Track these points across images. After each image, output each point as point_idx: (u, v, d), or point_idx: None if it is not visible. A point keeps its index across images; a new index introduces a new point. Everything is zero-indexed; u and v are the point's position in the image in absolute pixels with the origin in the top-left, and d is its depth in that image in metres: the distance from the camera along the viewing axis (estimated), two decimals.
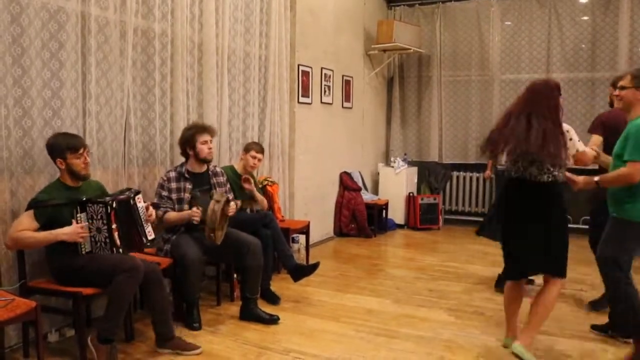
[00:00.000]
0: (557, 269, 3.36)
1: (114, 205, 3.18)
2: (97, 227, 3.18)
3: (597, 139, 4.14)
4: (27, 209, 3.13)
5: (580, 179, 3.36)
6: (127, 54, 4.03)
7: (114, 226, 3.17)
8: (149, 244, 3.40)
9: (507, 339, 3.56)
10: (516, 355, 3.35)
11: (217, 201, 3.78)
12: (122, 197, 3.27)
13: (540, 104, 3.27)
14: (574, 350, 3.53)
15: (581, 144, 3.37)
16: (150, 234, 3.37)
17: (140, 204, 3.35)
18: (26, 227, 3.06)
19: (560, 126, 3.26)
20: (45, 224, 3.10)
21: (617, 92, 3.39)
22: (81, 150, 3.23)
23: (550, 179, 3.27)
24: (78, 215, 3.16)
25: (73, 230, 3.10)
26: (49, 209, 3.11)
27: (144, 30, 4.22)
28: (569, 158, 3.32)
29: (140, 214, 3.33)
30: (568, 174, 3.38)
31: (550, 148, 3.16)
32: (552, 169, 3.26)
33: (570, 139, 3.30)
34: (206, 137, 4.05)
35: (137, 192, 3.37)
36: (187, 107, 4.62)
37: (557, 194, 3.33)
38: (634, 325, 3.24)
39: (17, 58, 3.32)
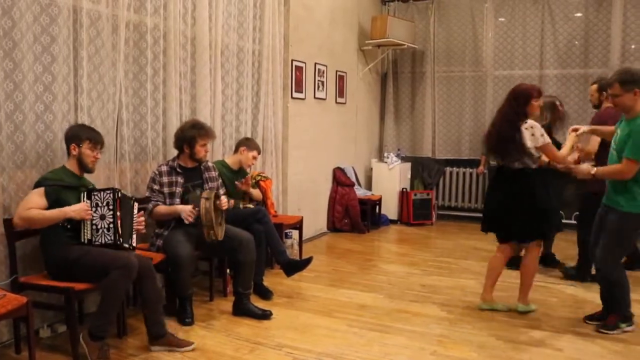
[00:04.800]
0: (525, 236, 4.03)
1: (120, 194, 3.30)
2: (101, 214, 3.26)
3: (595, 139, 4.36)
4: (36, 186, 3.20)
5: (582, 168, 3.77)
6: (119, 48, 4.02)
7: (118, 213, 3.27)
8: (129, 247, 3.42)
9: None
10: (522, 312, 4.07)
11: (207, 198, 3.78)
12: (126, 197, 3.45)
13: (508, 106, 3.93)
14: (566, 344, 3.55)
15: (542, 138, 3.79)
16: (133, 241, 3.49)
17: (136, 209, 3.55)
18: (36, 205, 3.13)
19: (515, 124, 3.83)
20: (52, 205, 3.16)
21: (610, 100, 3.74)
22: (98, 146, 3.39)
23: (519, 166, 3.87)
24: (85, 201, 3.26)
25: (81, 207, 3.20)
26: (59, 188, 3.20)
27: (136, 24, 4.20)
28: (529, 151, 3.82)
29: (134, 219, 3.52)
30: (567, 164, 3.91)
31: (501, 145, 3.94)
32: (520, 158, 3.85)
33: (533, 135, 3.78)
34: (207, 141, 4.07)
35: (136, 200, 3.62)
36: (180, 102, 4.60)
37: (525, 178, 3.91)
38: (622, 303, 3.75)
39: (9, 52, 3.29)
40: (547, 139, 3.82)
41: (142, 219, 3.62)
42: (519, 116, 3.83)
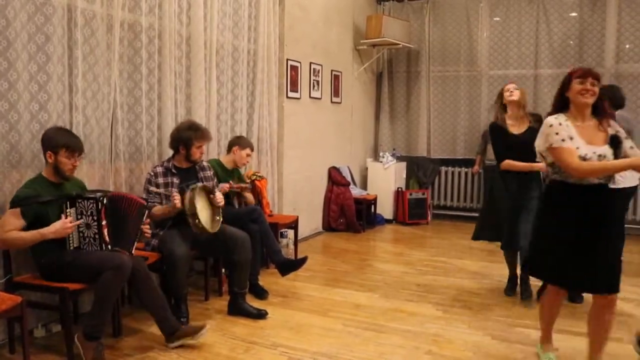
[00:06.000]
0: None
1: (105, 201, 3.19)
2: (87, 223, 3.18)
3: None
4: (11, 206, 3.06)
5: None
6: (114, 47, 4.00)
7: (103, 222, 3.18)
8: (128, 252, 3.39)
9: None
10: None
11: (192, 189, 3.78)
12: (138, 202, 3.39)
13: None
14: (561, 343, 3.56)
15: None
16: (134, 248, 3.42)
17: (144, 216, 3.46)
18: (13, 226, 3.00)
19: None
20: (32, 222, 3.06)
21: None
22: (76, 153, 3.20)
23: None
24: (68, 210, 3.13)
25: (60, 227, 3.06)
26: (35, 206, 3.06)
27: (130, 23, 4.19)
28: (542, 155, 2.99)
29: (141, 224, 3.45)
30: None
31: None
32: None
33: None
34: (203, 143, 4.06)
35: (149, 208, 3.60)
36: (175, 101, 4.59)
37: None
38: None
39: (3, 51, 3.28)
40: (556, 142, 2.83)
41: (148, 229, 3.59)
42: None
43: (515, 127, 4.21)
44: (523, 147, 3.94)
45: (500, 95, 4.33)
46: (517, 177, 4.19)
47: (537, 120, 4.13)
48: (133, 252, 3.41)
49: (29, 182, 3.21)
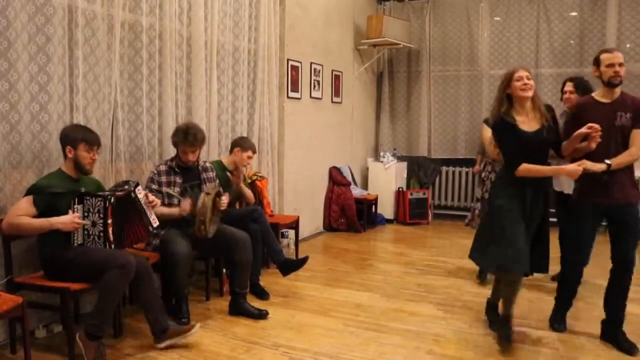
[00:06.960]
0: None
1: (112, 200, 3.21)
2: (93, 221, 3.20)
3: None
4: (27, 194, 3.15)
5: None
6: (115, 47, 4.01)
7: (109, 221, 3.20)
8: (155, 232, 3.48)
9: None
10: None
11: (208, 194, 3.78)
12: (120, 192, 3.32)
13: None
14: (562, 343, 3.56)
15: None
16: (155, 222, 3.45)
17: (141, 194, 3.42)
18: (24, 212, 3.08)
19: None
20: (44, 212, 3.12)
21: None
22: (95, 147, 3.31)
23: None
24: (75, 206, 3.18)
25: (69, 220, 3.11)
26: (48, 197, 3.13)
27: (131, 23, 4.19)
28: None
29: (142, 204, 3.41)
30: None
31: None
32: None
33: None
34: (188, 149, 3.99)
35: (137, 184, 3.44)
36: (176, 102, 4.59)
37: None
38: None
39: (4, 52, 3.28)
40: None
41: (152, 197, 3.56)
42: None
43: (526, 124, 3.33)
44: (536, 148, 3.34)
45: (507, 82, 3.36)
46: (533, 184, 3.36)
47: (551, 113, 3.41)
48: (154, 225, 3.45)
49: (47, 174, 3.33)
